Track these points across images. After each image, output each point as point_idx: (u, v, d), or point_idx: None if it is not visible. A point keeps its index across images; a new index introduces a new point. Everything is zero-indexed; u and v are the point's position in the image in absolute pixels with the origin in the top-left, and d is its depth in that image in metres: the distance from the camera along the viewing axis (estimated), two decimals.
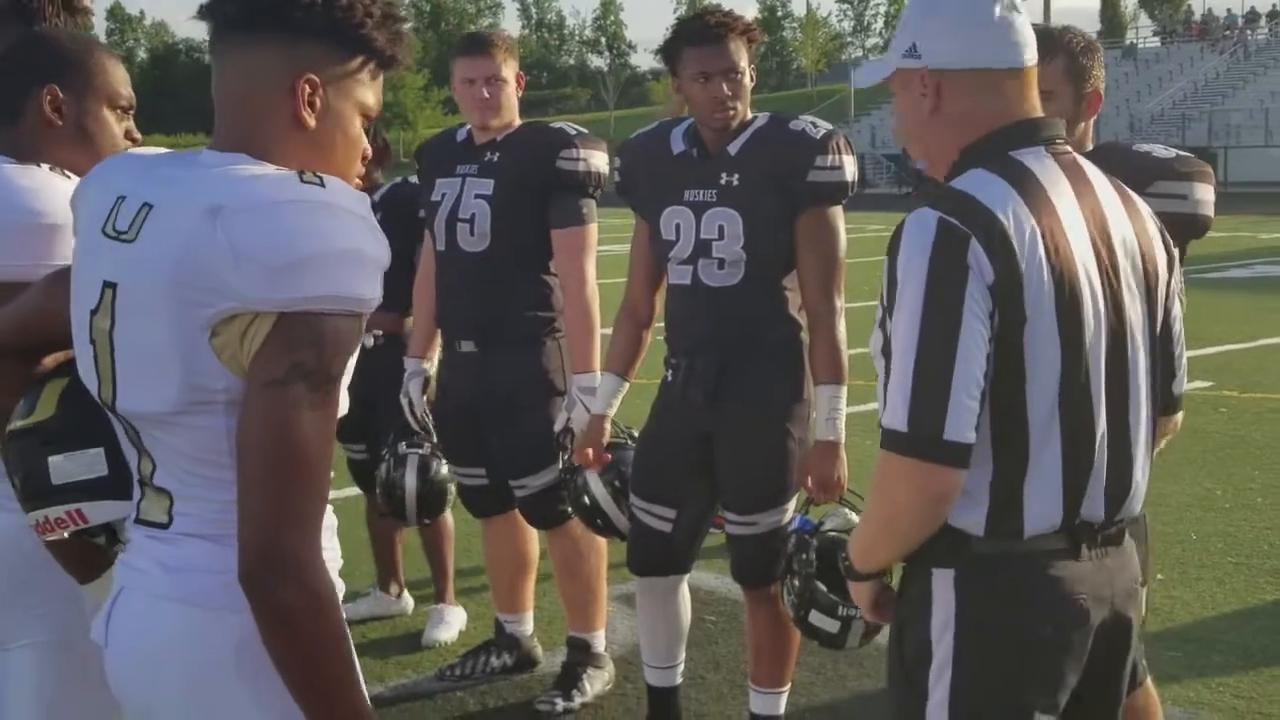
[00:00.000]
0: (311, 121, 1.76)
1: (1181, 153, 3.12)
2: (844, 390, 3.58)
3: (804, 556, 3.29)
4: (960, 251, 2.00)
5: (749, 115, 3.65)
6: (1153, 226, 2.24)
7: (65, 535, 2.00)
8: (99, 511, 1.96)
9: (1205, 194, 3.02)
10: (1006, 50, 2.17)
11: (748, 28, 3.62)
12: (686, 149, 3.70)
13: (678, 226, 3.67)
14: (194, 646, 1.75)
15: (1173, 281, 2.28)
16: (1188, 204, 2.97)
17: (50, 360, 2.05)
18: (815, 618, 3.29)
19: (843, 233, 3.64)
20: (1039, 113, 2.21)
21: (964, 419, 1.99)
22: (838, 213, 3.63)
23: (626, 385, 3.96)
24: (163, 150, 1.89)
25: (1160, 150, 3.11)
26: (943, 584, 2.12)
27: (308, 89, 1.74)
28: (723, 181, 3.61)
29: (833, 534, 3.32)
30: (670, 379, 3.76)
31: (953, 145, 2.20)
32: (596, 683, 4.48)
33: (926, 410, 2.00)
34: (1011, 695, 2.12)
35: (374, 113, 1.83)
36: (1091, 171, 2.21)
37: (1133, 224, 2.19)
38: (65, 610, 2.33)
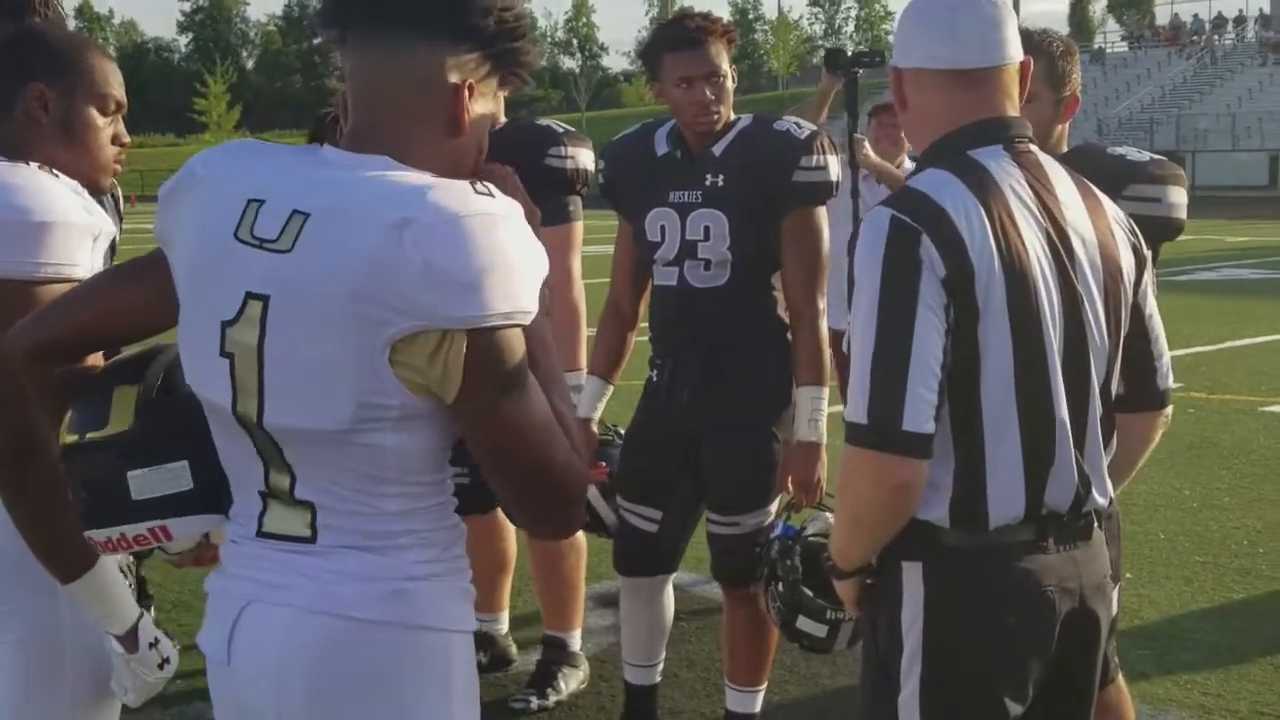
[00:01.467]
0: (467, 126, 1.74)
1: (1155, 156, 3.14)
2: (826, 391, 3.59)
3: (789, 563, 3.30)
4: (912, 247, 2.04)
5: (732, 116, 3.66)
6: (1118, 227, 2.26)
7: (139, 550, 1.94)
8: (186, 527, 1.89)
9: (1178, 197, 3.06)
10: (968, 51, 2.19)
11: (726, 29, 3.63)
12: (670, 151, 3.70)
13: (663, 228, 3.67)
14: (345, 658, 1.71)
15: (1143, 281, 2.31)
16: (1161, 207, 3.01)
17: (93, 362, 1.97)
18: (803, 623, 3.31)
19: (826, 233, 3.65)
20: (1007, 112, 2.22)
21: (921, 410, 2.02)
22: (821, 213, 3.64)
23: (611, 388, 3.95)
24: (261, 143, 1.81)
25: (1134, 154, 3.14)
26: (912, 576, 2.15)
27: (467, 93, 1.72)
28: (708, 182, 3.61)
29: (815, 539, 3.33)
30: (655, 380, 3.76)
31: (924, 141, 2.24)
32: (572, 681, 4.48)
33: (885, 402, 2.03)
34: (980, 685, 2.14)
35: (496, 125, 1.80)
36: (1054, 171, 2.23)
37: (1094, 223, 2.21)
38: (39, 607, 2.30)
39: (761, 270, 3.63)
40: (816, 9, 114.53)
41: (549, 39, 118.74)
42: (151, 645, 2.32)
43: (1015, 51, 2.23)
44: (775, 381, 3.64)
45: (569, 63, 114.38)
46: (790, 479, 3.58)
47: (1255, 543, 6.07)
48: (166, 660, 2.35)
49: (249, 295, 1.65)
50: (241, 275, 1.66)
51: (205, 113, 77.08)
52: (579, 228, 4.22)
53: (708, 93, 3.54)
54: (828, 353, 3.61)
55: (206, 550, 2.18)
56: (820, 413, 3.57)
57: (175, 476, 1.85)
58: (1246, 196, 32.79)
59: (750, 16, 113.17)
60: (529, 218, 1.72)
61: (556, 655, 4.49)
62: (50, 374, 1.94)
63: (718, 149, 3.62)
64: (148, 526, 1.87)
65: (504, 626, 4.73)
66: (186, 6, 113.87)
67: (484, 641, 4.68)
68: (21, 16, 2.93)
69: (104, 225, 2.30)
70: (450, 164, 1.73)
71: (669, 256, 3.67)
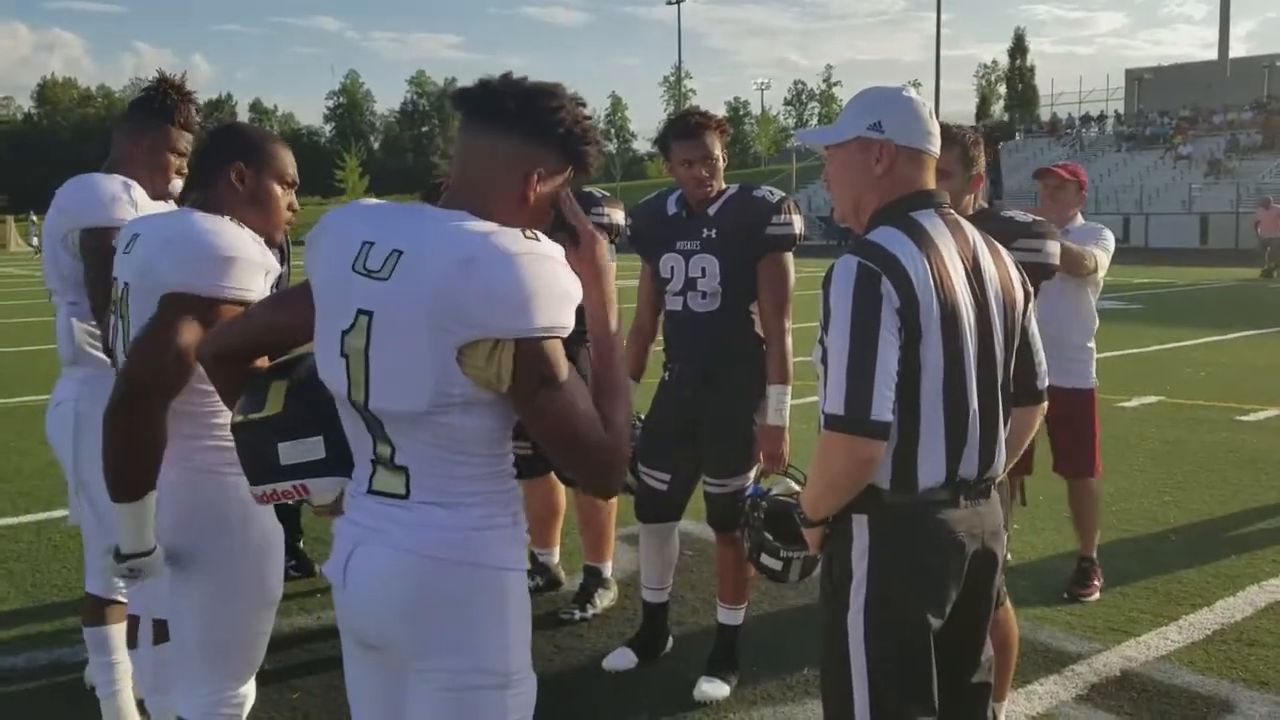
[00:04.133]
0: (533, 200, 1.75)
1: (1036, 218, 3.15)
2: (789, 389, 3.59)
3: (756, 515, 3.31)
4: (875, 285, 2.04)
5: (723, 186, 3.66)
6: (1013, 269, 2.27)
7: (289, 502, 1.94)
8: (319, 485, 1.90)
9: (1053, 249, 3.09)
10: (929, 141, 2.22)
11: (720, 123, 3.63)
12: (678, 211, 3.72)
13: (672, 268, 3.68)
14: (429, 586, 1.71)
15: (1029, 309, 2.31)
16: (1041, 255, 3.02)
17: (261, 363, 1.98)
18: (764, 559, 3.31)
19: (792, 273, 3.64)
20: (933, 186, 2.24)
21: (884, 404, 2.03)
22: (789, 258, 3.63)
23: (638, 385, 3.97)
24: (377, 201, 1.84)
25: (1020, 215, 3.14)
26: (860, 526, 2.15)
27: (536, 179, 1.74)
28: (704, 235, 3.62)
29: (779, 497, 3.34)
30: (667, 378, 3.79)
31: (875, 203, 2.21)
32: (605, 599, 4.49)
33: (858, 398, 2.03)
34: (909, 604, 2.14)
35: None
36: (968, 228, 2.23)
37: (997, 266, 2.22)
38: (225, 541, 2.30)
39: (743, 300, 3.62)
40: (789, 107, 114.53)
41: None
42: (132, 569, 2.27)
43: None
44: (752, 382, 3.63)
45: (608, 145, 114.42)
46: (762, 452, 3.57)
47: (1109, 503, 6.01)
48: (137, 573, 2.28)
49: (359, 311, 1.69)
50: (355, 297, 1.69)
51: (344, 181, 77.21)
52: (613, 268, 4.21)
53: (703, 171, 3.55)
54: (792, 362, 3.60)
55: (341, 503, 2.22)
56: (785, 405, 3.56)
57: (312, 448, 1.87)
58: None
59: (740, 113, 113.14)
60: (592, 245, 1.80)
61: (594, 580, 4.50)
62: (228, 371, 1.98)
63: (712, 210, 3.63)
64: (291, 484, 1.90)
65: (555, 558, 4.75)
66: (330, 103, 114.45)
67: (540, 569, 4.70)
68: (170, 116, 3.04)
69: (273, 264, 2.33)
70: (522, 224, 1.74)
71: (677, 289, 3.68)
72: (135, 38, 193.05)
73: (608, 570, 4.54)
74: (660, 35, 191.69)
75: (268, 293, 2.27)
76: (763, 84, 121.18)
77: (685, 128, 3.56)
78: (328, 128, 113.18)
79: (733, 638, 3.85)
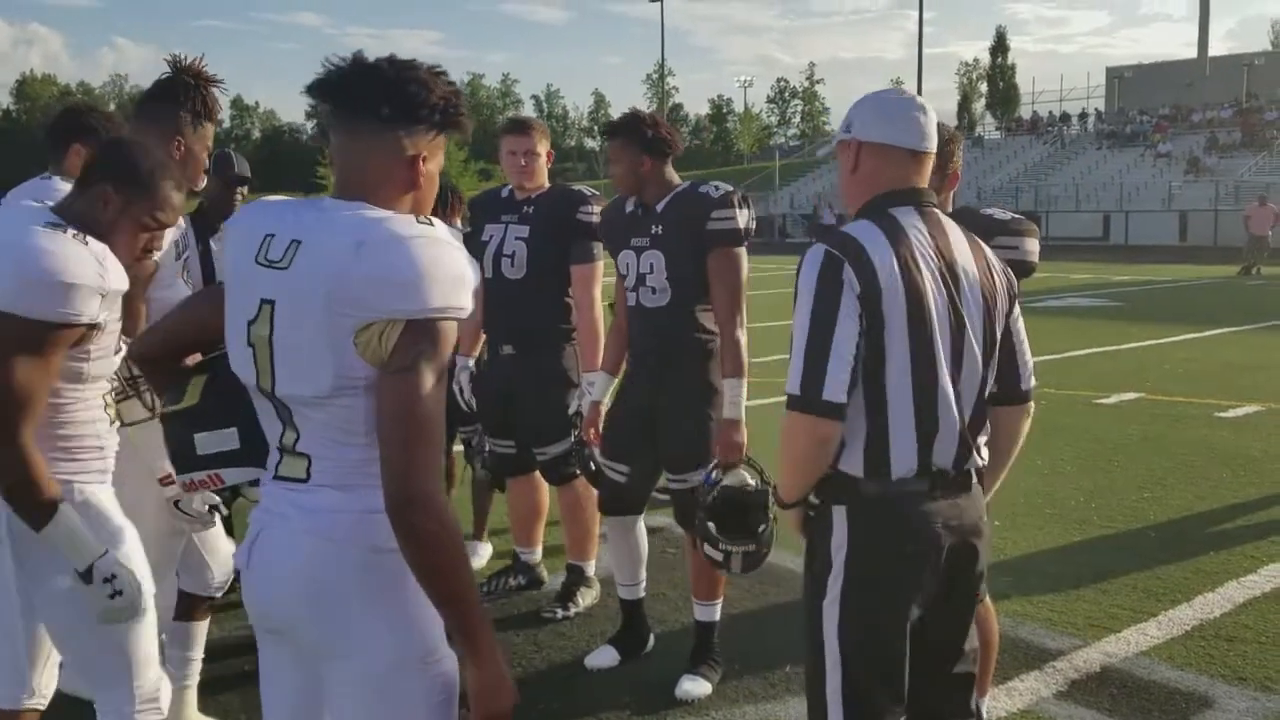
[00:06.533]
0: (423, 180, 1.76)
1: (1016, 215, 3.14)
2: (744, 382, 3.56)
3: (701, 504, 3.34)
4: (837, 271, 2.10)
5: (679, 182, 3.67)
6: (993, 265, 2.29)
7: (208, 491, 1.99)
8: (233, 475, 1.95)
9: (1032, 246, 3.08)
10: (906, 136, 2.23)
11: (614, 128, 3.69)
12: (635, 209, 3.74)
13: (628, 264, 3.71)
14: (325, 569, 1.71)
15: (1014, 305, 2.34)
16: (1019, 253, 3.02)
17: (190, 360, 2.03)
18: (706, 549, 3.35)
19: (744, 267, 3.61)
20: (923, 183, 2.26)
21: (837, 385, 2.08)
22: (739, 252, 3.59)
23: (615, 380, 3.96)
24: (282, 198, 1.85)
25: (999, 213, 3.13)
26: (839, 516, 2.18)
27: (421, 160, 1.75)
28: (653, 231, 3.64)
29: (728, 487, 3.35)
30: (627, 371, 3.82)
31: (859, 200, 2.26)
32: (587, 597, 4.48)
33: (812, 378, 2.08)
34: (882, 590, 2.18)
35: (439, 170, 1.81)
36: (948, 224, 2.26)
37: (975, 260, 2.24)
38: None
39: (693, 295, 3.62)
40: (773, 105, 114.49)
41: (577, 125, 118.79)
42: (106, 580, 2.25)
43: (934, 145, 2.28)
44: (705, 377, 3.62)
45: (591, 142, 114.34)
46: (718, 445, 3.55)
47: (1089, 500, 6.07)
48: (119, 592, 2.26)
49: (262, 301, 1.72)
50: (258, 287, 1.72)
51: (325, 178, 76.72)
52: (600, 265, 4.23)
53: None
54: (745, 355, 3.58)
55: None
56: (740, 398, 3.53)
57: (226, 439, 1.94)
58: (1085, 245, 32.72)
59: (724, 110, 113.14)
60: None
61: (576, 578, 4.49)
62: (159, 369, 2.05)
63: (660, 206, 3.65)
64: (207, 474, 1.96)
65: (538, 557, 4.73)
66: (311, 100, 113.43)
67: (522, 567, 4.68)
68: (178, 99, 2.85)
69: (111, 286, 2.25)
70: (414, 207, 1.77)
71: (630, 284, 3.71)
72: (114, 33, 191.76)
73: (591, 569, 4.53)
74: (643, 33, 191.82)
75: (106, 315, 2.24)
76: (746, 81, 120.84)
77: (608, 129, 3.70)
78: (309, 124, 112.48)
79: (709, 633, 3.85)
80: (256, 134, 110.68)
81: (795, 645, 3.34)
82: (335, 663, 1.75)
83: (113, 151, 2.38)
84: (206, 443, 1.93)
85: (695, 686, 3.69)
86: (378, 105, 1.70)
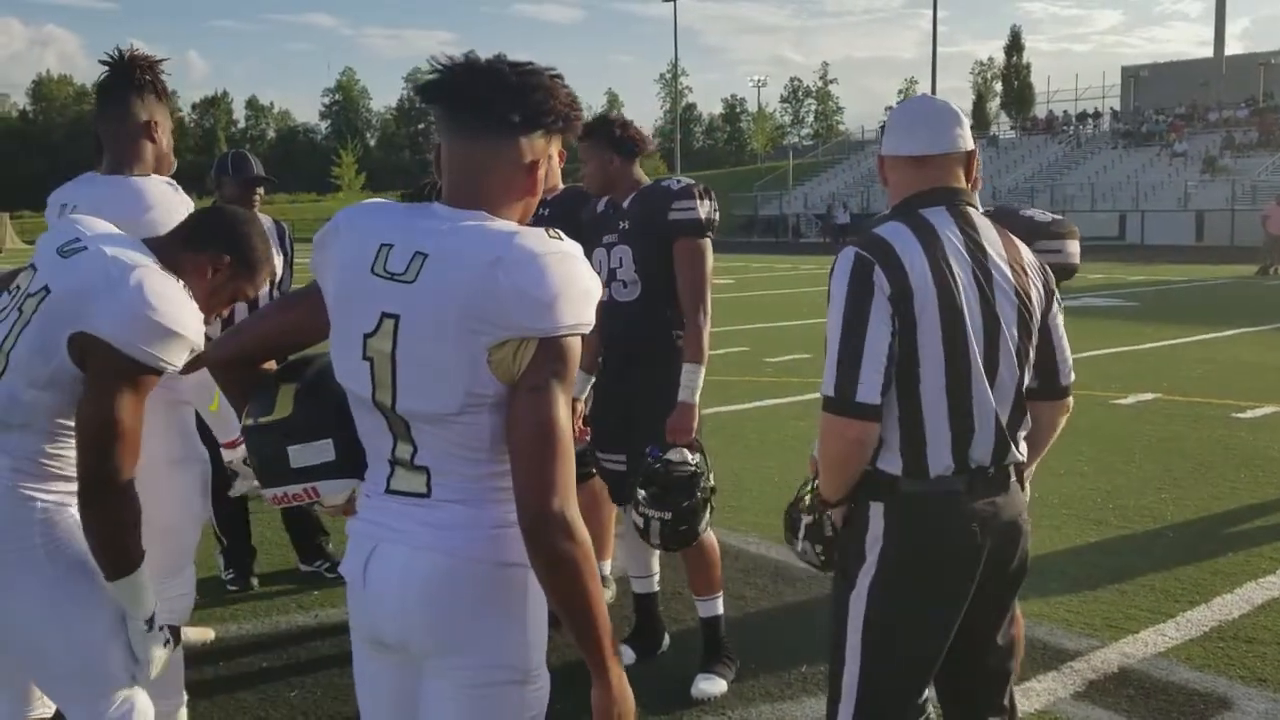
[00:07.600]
0: (537, 190, 1.75)
1: (1056, 217, 3.09)
2: (702, 369, 3.59)
3: (640, 470, 3.49)
4: (868, 273, 2.12)
5: (646, 180, 3.74)
6: (1032, 266, 2.29)
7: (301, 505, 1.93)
8: (330, 487, 1.88)
9: (1074, 248, 3.05)
10: (913, 143, 2.26)
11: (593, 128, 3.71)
12: (606, 207, 3.81)
13: (600, 261, 3.74)
14: (454, 584, 1.68)
15: (1052, 304, 2.35)
16: (1061, 256, 2.99)
17: (269, 366, 1.96)
18: (632, 515, 3.42)
19: (708, 259, 3.63)
20: (953, 183, 2.27)
21: (871, 387, 2.10)
22: (702, 243, 3.61)
23: (592, 378, 3.95)
24: (387, 201, 1.81)
25: (1040, 215, 3.09)
26: (876, 512, 2.21)
27: (538, 165, 1.73)
28: (621, 227, 3.71)
29: (667, 460, 3.47)
30: (602, 363, 3.85)
31: (892, 205, 2.31)
32: (604, 596, 4.47)
33: (845, 381, 2.11)
34: (911, 587, 2.20)
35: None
36: (981, 223, 2.27)
37: (1009, 258, 2.25)
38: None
39: (663, 288, 3.64)
40: (786, 104, 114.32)
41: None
42: (161, 629, 2.31)
43: (962, 144, 2.27)
44: (674, 364, 3.61)
45: None
46: (669, 426, 3.54)
47: (1105, 500, 6.05)
48: (169, 641, 2.33)
49: (384, 314, 1.66)
50: (378, 300, 1.67)
51: (340, 178, 77.03)
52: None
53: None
54: (707, 342, 3.60)
55: (353, 504, 2.22)
56: (696, 383, 3.58)
57: (322, 450, 1.85)
58: (1101, 245, 32.55)
59: (737, 110, 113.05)
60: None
61: None
62: (237, 376, 1.96)
63: (625, 203, 3.73)
64: (302, 487, 1.87)
65: None
66: (326, 100, 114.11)
67: None
68: (131, 88, 2.81)
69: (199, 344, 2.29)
70: (523, 213, 1.76)
71: (603, 280, 3.72)
72: (130, 34, 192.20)
73: (607, 568, 4.53)
74: (655, 32, 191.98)
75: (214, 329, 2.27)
76: (759, 81, 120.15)
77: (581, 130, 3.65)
78: (323, 125, 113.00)
79: (716, 628, 3.84)
80: (271, 134, 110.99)
81: (811, 645, 3.36)
82: (443, 671, 1.72)
83: (235, 225, 2.43)
84: (301, 455, 1.85)
85: (711, 685, 3.69)
86: (507, 111, 1.67)
